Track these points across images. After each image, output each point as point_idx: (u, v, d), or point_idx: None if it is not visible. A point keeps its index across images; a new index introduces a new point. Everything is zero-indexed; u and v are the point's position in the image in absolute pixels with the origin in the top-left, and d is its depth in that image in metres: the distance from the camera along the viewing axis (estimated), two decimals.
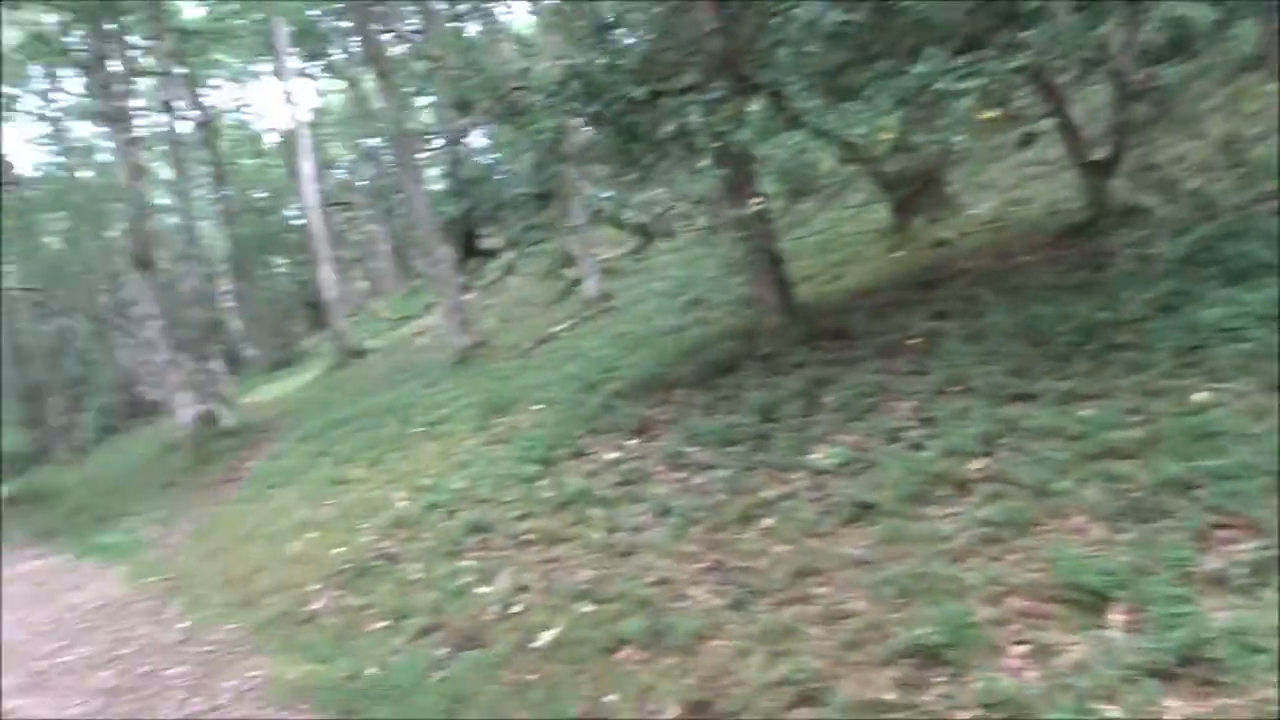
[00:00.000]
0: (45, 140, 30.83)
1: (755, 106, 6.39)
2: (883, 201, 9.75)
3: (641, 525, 5.59)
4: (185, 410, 15.77)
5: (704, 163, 6.44)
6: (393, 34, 21.21)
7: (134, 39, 20.12)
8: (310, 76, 31.45)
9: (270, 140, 37.85)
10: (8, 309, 29.09)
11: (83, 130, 29.30)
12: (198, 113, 27.43)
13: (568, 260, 16.40)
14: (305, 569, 7.14)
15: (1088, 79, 7.45)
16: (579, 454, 7.09)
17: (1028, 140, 9.49)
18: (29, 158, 44.93)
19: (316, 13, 25.59)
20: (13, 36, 24.44)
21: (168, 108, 21.08)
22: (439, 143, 23.58)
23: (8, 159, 28.18)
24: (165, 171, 29.07)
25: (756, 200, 6.95)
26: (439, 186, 22.95)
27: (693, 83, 6.84)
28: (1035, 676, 3.11)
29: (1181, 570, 3.31)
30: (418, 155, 16.84)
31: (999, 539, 3.94)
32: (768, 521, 4.97)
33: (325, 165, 31.33)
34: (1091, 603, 3.36)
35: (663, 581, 4.79)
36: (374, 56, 16.66)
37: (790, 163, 8.69)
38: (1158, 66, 7.81)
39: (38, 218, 26.17)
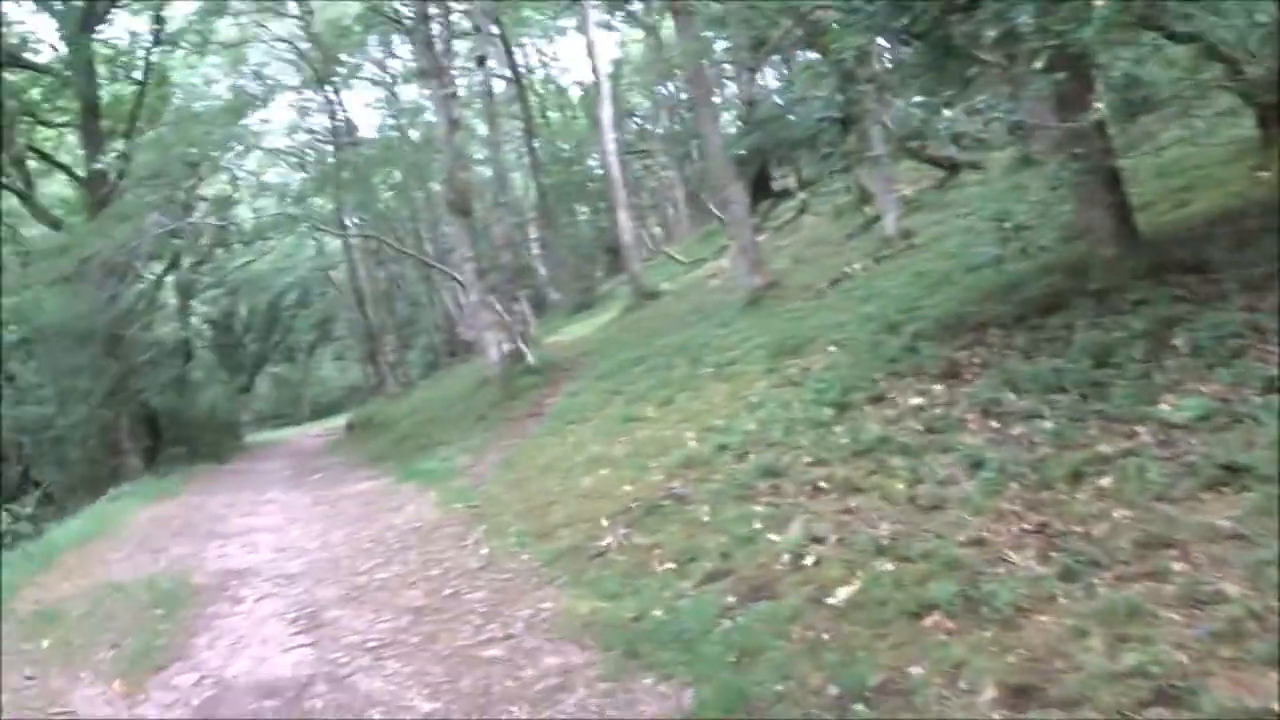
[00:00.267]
0: (380, 104, 34.11)
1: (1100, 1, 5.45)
2: (1244, 114, 8.24)
3: (949, 478, 5.03)
4: (495, 349, 16.73)
5: (1034, 68, 5.59)
6: None
7: (453, 3, 21.44)
8: (611, 28, 32.22)
9: (574, 93, 39.48)
10: (349, 258, 32.58)
11: (410, 93, 32.09)
12: (509, 70, 28.92)
13: (865, 196, 15.60)
14: (597, 504, 7.19)
15: None
16: (877, 398, 6.57)
17: None
18: (369, 120, 49.90)
19: None
20: (353, 9, 27.02)
21: (481, 62, 22.28)
22: (733, 84, 23.36)
23: (351, 120, 31.46)
24: (480, 127, 31.13)
25: (1095, 110, 5.99)
26: (732, 130, 22.76)
27: None
28: None
29: None
30: (713, 96, 16.60)
31: None
32: (1104, 481, 4.27)
33: (624, 115, 32.12)
34: None
35: (977, 542, 4.24)
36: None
37: (1134, 70, 7.47)
38: None
39: (373, 173, 28.90)
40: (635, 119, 37.36)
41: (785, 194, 23.20)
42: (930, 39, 6.53)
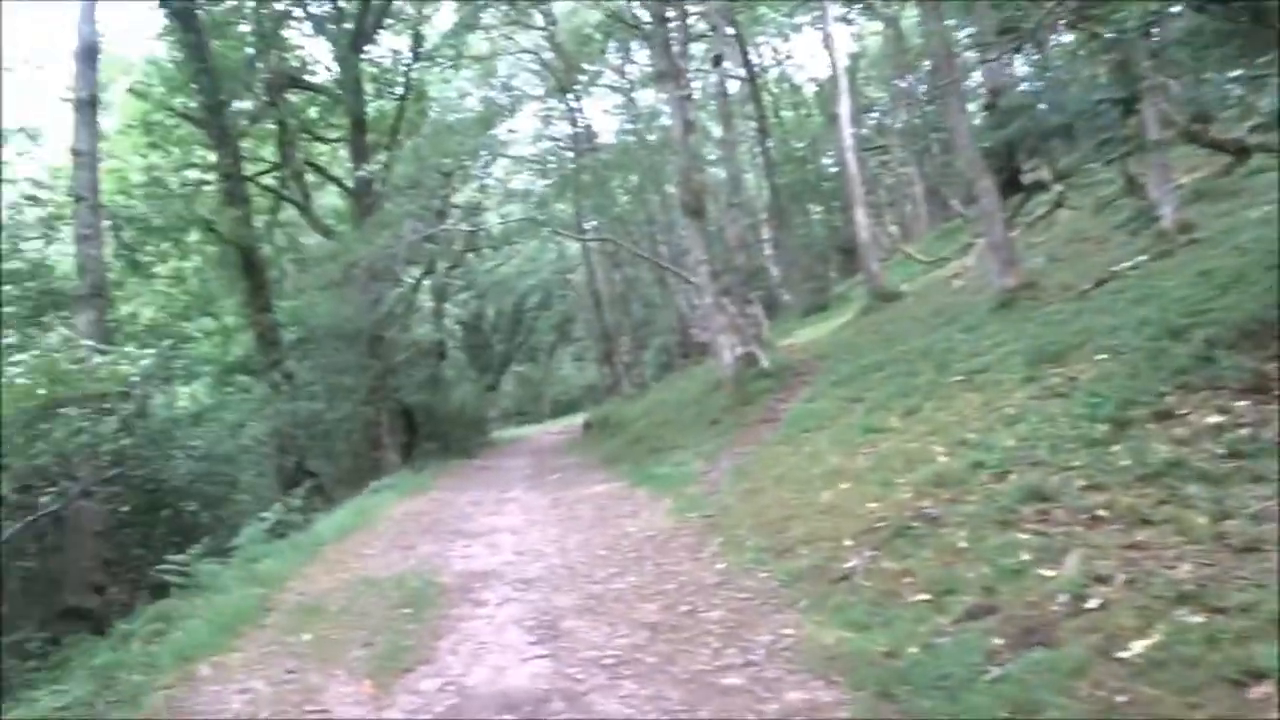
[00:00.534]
0: (618, 110, 34.95)
1: None
2: None
3: (1265, 513, 4.27)
4: (728, 351, 16.54)
5: None
6: None
7: (690, 4, 21.52)
8: (850, 21, 31.34)
9: (809, 91, 38.80)
10: (587, 261, 33.58)
11: (647, 97, 32.65)
12: (744, 70, 28.73)
13: (1134, 187, 14.09)
14: (837, 522, 6.78)
15: None
16: (1164, 415, 5.76)
17: None
18: (608, 126, 51.31)
19: None
20: (594, 18, 27.80)
21: (717, 63, 22.23)
22: (977, 73, 21.96)
23: (590, 127, 32.43)
24: (715, 129, 31.18)
25: None
26: (976, 122, 21.43)
27: None
28: None
29: None
30: (960, 84, 15.60)
31: None
32: None
33: (861, 110, 31.16)
34: None
35: None
36: None
37: None
38: None
39: (610, 178, 29.59)
40: (872, 114, 36.19)
41: (1038, 187, 21.56)
42: (1235, 5, 5.67)
